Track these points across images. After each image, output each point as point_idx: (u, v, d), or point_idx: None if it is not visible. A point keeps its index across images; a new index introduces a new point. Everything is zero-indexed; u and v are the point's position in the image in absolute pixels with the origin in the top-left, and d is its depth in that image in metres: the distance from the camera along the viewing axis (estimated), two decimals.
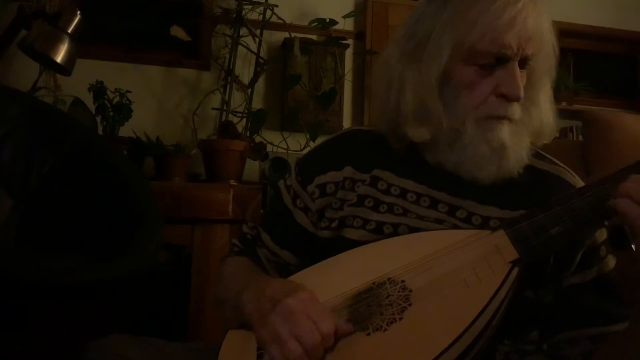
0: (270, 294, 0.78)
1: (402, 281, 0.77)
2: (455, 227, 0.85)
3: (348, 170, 0.93)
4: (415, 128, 0.85)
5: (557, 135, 0.91)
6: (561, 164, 0.93)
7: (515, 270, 0.75)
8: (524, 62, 0.84)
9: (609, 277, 0.85)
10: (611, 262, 0.86)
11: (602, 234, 0.86)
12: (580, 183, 0.89)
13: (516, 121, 0.84)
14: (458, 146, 0.84)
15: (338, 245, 0.88)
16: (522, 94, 0.82)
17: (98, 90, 2.14)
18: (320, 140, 2.41)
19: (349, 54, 2.78)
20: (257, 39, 2.53)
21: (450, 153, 0.85)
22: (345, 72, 2.70)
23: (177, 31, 2.35)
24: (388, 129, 0.91)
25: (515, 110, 0.83)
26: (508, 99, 0.82)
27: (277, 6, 2.50)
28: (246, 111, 2.48)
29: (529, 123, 0.86)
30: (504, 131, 0.83)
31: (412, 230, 0.86)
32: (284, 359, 0.72)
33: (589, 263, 0.84)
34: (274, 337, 0.73)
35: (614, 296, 0.84)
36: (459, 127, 0.83)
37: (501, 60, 0.82)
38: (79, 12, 1.81)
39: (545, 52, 0.86)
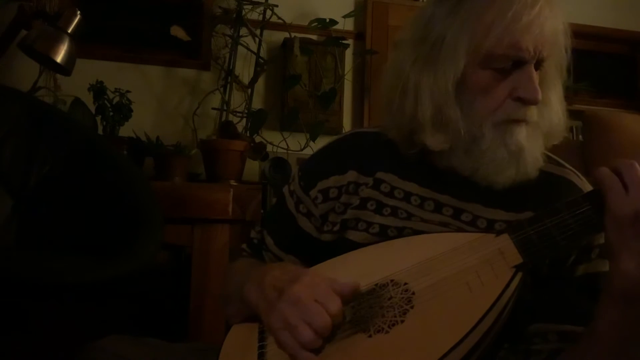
0: (272, 282, 0.79)
1: (405, 283, 0.77)
2: (460, 230, 0.85)
3: (352, 175, 0.92)
4: (433, 136, 0.83)
5: (566, 134, 0.90)
6: (568, 166, 0.92)
7: (519, 275, 0.74)
8: (538, 64, 0.83)
9: (597, 279, 0.83)
10: (601, 265, 0.83)
11: (600, 237, 0.83)
12: (587, 185, 0.88)
13: (532, 123, 0.83)
14: (476, 151, 0.82)
15: (341, 248, 0.88)
16: (540, 96, 0.81)
17: (98, 90, 2.13)
18: (320, 140, 2.42)
19: (349, 54, 2.77)
20: (257, 39, 2.52)
21: (467, 158, 0.83)
22: (345, 72, 2.69)
23: (177, 31, 2.35)
24: (400, 136, 0.88)
25: (532, 112, 0.82)
26: (525, 102, 0.81)
27: (277, 6, 2.50)
28: (246, 111, 2.48)
29: (542, 124, 0.85)
30: (522, 134, 0.82)
31: (417, 234, 0.85)
32: (296, 343, 0.72)
33: (579, 260, 0.83)
34: (284, 323, 0.74)
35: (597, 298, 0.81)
36: (476, 133, 0.82)
37: (518, 63, 0.81)
38: (79, 12, 1.81)
39: (558, 53, 0.85)
